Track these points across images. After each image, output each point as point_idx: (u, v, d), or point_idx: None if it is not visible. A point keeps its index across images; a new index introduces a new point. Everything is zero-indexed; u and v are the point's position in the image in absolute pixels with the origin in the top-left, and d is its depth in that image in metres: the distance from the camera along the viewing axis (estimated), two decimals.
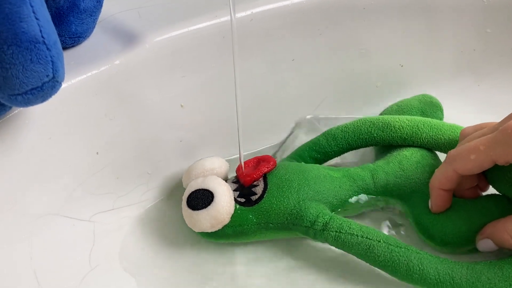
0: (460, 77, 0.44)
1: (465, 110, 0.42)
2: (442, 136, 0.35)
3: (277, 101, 0.40)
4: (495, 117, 0.31)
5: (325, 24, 0.39)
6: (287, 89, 0.40)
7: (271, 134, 0.40)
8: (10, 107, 0.26)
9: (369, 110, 0.42)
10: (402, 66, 0.43)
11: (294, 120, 0.41)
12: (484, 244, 0.30)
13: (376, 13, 0.40)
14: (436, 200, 0.31)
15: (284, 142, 0.41)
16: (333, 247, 0.31)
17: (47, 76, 0.21)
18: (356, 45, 0.40)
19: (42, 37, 0.20)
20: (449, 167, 0.30)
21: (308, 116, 0.41)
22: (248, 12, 0.36)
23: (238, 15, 0.35)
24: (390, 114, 0.38)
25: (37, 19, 0.20)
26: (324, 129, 0.38)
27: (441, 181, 0.31)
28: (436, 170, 0.31)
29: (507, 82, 0.43)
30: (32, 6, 0.21)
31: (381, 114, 0.41)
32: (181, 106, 0.36)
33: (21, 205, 0.29)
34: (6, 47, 0.20)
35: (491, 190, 0.33)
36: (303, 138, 0.40)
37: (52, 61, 0.21)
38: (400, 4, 0.40)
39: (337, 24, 0.39)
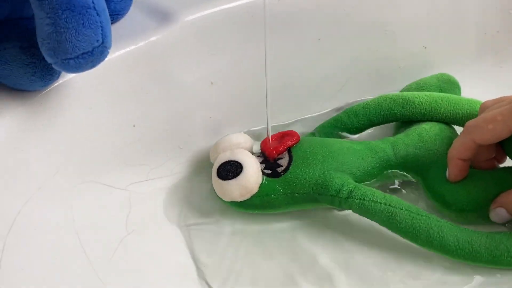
0: (483, 58, 0.45)
1: (487, 91, 0.42)
2: (460, 110, 0.36)
3: (302, 80, 0.41)
4: None
5: (352, 4, 0.40)
6: (312, 69, 0.41)
7: (295, 113, 0.42)
8: (58, 76, 0.28)
9: (392, 90, 0.43)
10: (425, 47, 0.43)
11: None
12: (497, 213, 0.30)
13: None
14: (454, 169, 0.32)
15: None
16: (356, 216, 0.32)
17: (97, 41, 0.23)
18: (381, 26, 0.41)
19: (93, 3, 0.22)
20: (467, 136, 0.31)
21: None
22: None
23: None
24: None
25: None
26: None
27: (459, 150, 0.31)
28: (454, 140, 0.32)
29: None
30: None
31: (401, 91, 0.42)
32: (211, 83, 0.37)
33: (64, 172, 0.31)
34: (60, 12, 0.22)
35: (508, 163, 0.33)
36: None
37: (101, 27, 0.23)
38: None
39: (363, 5, 0.40)
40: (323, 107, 0.42)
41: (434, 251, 0.30)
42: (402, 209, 0.30)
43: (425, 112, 0.36)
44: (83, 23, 0.22)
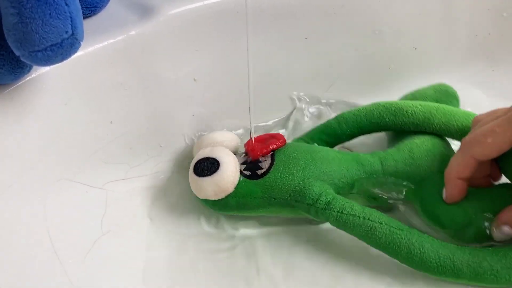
0: (474, 61, 0.44)
1: (478, 94, 0.42)
2: (455, 122, 0.34)
3: (289, 78, 0.40)
4: (509, 102, 0.30)
5: (340, 3, 0.39)
6: (299, 67, 0.40)
7: (281, 111, 0.41)
8: (29, 70, 0.27)
9: (381, 92, 0.42)
10: (415, 48, 0.42)
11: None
12: (502, 231, 0.28)
13: None
14: (453, 191, 0.30)
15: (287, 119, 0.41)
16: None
17: (66, 32, 0.22)
18: (370, 25, 0.40)
19: None
20: (466, 154, 0.29)
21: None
22: None
23: None
24: None
25: None
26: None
27: (458, 170, 0.29)
28: (451, 159, 0.30)
29: None
30: None
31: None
32: (194, 80, 0.36)
33: (37, 169, 0.30)
34: (25, 1, 0.21)
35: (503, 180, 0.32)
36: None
37: (71, 17, 0.21)
38: None
39: (352, 4, 0.39)
40: (311, 106, 0.41)
41: (415, 267, 0.28)
42: (381, 223, 0.29)
43: (418, 123, 0.34)
44: (50, 13, 0.21)
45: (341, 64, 0.41)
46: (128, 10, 0.34)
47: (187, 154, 0.37)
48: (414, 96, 0.39)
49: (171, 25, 0.34)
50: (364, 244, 0.29)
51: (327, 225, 0.32)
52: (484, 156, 0.29)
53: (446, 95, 0.38)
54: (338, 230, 0.30)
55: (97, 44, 0.31)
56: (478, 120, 0.32)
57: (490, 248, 0.28)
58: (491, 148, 0.28)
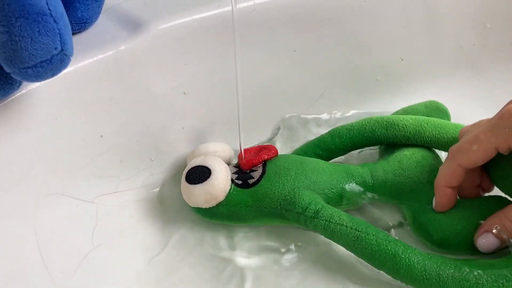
0: (459, 71, 0.45)
1: (463, 104, 0.43)
2: (446, 135, 0.35)
3: (278, 92, 0.40)
4: (494, 112, 0.30)
5: (327, 16, 0.39)
6: (288, 80, 0.40)
7: (272, 125, 0.41)
8: (19, 86, 0.27)
9: (370, 103, 0.43)
10: (402, 59, 0.43)
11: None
12: (484, 239, 0.29)
13: (377, 6, 0.40)
14: (441, 199, 0.30)
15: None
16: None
17: (56, 48, 0.22)
18: (357, 38, 0.41)
19: (49, 9, 0.21)
20: (453, 162, 0.29)
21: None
22: (251, 3, 0.37)
23: (241, 5, 0.36)
24: None
25: None
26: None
27: (446, 178, 0.30)
28: (440, 168, 0.31)
29: (506, 77, 0.44)
30: None
31: None
32: (184, 93, 0.37)
33: (27, 184, 0.30)
34: (14, 19, 0.21)
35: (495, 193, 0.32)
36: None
37: (59, 34, 0.22)
38: None
39: (338, 17, 0.40)
40: (300, 118, 0.42)
41: (401, 279, 0.28)
42: (368, 234, 0.29)
43: (410, 136, 0.35)
44: (39, 31, 0.21)
45: (329, 76, 0.42)
46: (117, 25, 0.34)
47: (178, 167, 0.38)
48: (405, 111, 0.39)
49: (160, 40, 0.34)
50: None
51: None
52: (470, 164, 0.29)
53: (437, 111, 0.38)
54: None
55: (87, 60, 0.31)
56: (464, 132, 0.32)
57: (477, 260, 0.28)
58: (477, 155, 0.28)
